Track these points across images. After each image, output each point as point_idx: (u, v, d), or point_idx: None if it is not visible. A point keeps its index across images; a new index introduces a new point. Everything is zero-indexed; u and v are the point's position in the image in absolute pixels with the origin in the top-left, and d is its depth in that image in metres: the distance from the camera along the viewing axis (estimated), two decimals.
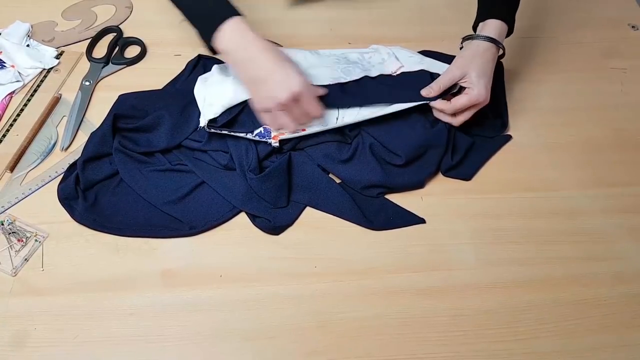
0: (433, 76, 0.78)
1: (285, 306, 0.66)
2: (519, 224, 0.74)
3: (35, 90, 0.83)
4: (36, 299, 0.65)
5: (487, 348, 0.64)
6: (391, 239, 0.72)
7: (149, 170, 0.74)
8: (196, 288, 0.67)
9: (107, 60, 0.87)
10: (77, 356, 0.62)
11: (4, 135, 0.78)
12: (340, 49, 0.85)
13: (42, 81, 0.84)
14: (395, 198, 0.75)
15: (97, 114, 0.80)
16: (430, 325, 0.66)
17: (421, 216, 0.74)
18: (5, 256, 0.67)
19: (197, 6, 0.70)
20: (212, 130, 0.73)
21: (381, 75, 0.79)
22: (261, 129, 0.73)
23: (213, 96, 0.74)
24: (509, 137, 0.83)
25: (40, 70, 0.85)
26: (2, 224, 0.69)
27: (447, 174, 0.78)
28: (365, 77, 0.78)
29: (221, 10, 0.68)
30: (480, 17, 0.78)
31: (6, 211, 0.71)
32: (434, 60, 0.82)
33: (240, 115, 0.74)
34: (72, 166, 0.74)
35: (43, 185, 0.73)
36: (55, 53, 0.87)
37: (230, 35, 0.67)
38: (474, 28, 0.79)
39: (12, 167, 0.74)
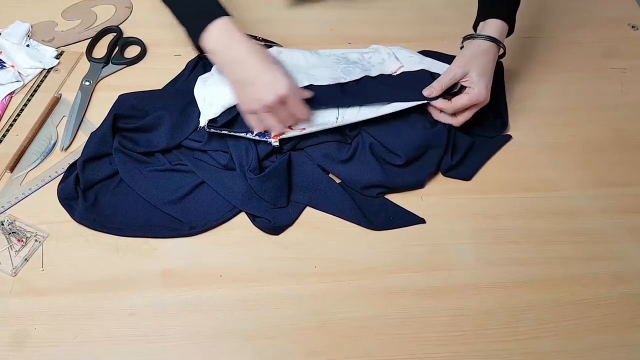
0: (433, 76, 0.78)
1: (285, 306, 0.66)
2: (519, 224, 0.74)
3: (35, 90, 0.83)
4: (36, 299, 0.65)
5: (487, 348, 0.64)
6: (391, 239, 0.72)
7: (148, 170, 0.74)
8: (196, 288, 0.67)
9: (107, 60, 0.87)
10: (77, 356, 0.62)
11: (4, 135, 0.78)
12: (340, 49, 0.85)
13: (42, 81, 0.84)
14: (395, 198, 0.75)
15: (97, 114, 0.80)
16: (430, 325, 0.66)
17: (421, 216, 0.74)
18: (5, 256, 0.67)
19: (186, 5, 0.70)
20: (212, 130, 0.73)
21: (381, 75, 0.79)
22: None
23: (213, 96, 0.74)
24: (509, 137, 0.83)
25: (40, 70, 0.85)
26: (2, 224, 0.69)
27: (447, 174, 0.78)
28: (366, 77, 0.78)
29: (210, 10, 0.68)
30: (481, 16, 0.78)
31: (6, 211, 0.71)
32: (434, 60, 0.82)
33: (240, 115, 0.74)
34: (72, 166, 0.74)
35: (43, 185, 0.73)
36: (55, 53, 0.87)
37: (217, 35, 0.67)
38: (475, 27, 0.79)
39: (12, 167, 0.74)
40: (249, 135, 0.73)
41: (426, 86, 0.76)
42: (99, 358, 0.62)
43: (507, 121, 0.84)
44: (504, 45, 0.77)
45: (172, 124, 0.75)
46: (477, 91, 0.74)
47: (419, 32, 0.95)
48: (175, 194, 0.72)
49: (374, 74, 0.79)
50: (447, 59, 0.80)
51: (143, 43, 0.89)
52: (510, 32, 0.78)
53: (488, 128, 0.82)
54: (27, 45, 0.88)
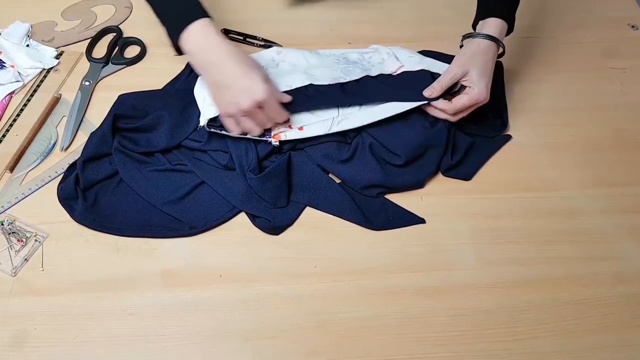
0: (434, 76, 0.78)
1: (285, 306, 0.66)
2: (519, 224, 0.74)
3: (35, 90, 0.83)
4: (36, 299, 0.65)
5: (486, 348, 0.64)
6: (391, 239, 0.72)
7: (148, 170, 0.74)
8: (196, 288, 0.67)
9: (106, 60, 0.87)
10: (77, 356, 0.62)
11: (3, 135, 0.78)
12: (340, 49, 0.85)
13: (42, 81, 0.84)
14: (395, 198, 0.75)
15: (97, 114, 0.80)
16: (429, 325, 0.66)
17: (421, 216, 0.74)
18: (5, 256, 0.67)
19: (167, 5, 0.70)
20: (212, 130, 0.73)
21: (381, 75, 0.79)
22: None
23: None
24: (509, 137, 0.83)
25: (40, 70, 0.85)
26: (2, 224, 0.69)
27: (447, 174, 0.78)
28: (366, 77, 0.78)
29: (189, 11, 0.68)
30: (480, 15, 0.78)
31: (6, 211, 0.71)
32: (434, 60, 0.82)
33: None
34: (72, 166, 0.74)
35: (43, 185, 0.73)
36: (55, 53, 0.87)
37: (196, 36, 0.67)
38: (474, 26, 0.79)
39: (12, 167, 0.74)
40: (248, 135, 0.73)
41: (426, 86, 0.76)
42: (99, 358, 0.62)
43: (507, 121, 0.84)
44: (503, 44, 0.77)
45: (172, 124, 0.75)
46: (477, 91, 0.74)
47: (418, 32, 0.95)
48: (175, 194, 0.72)
49: (374, 73, 0.79)
50: (447, 58, 0.80)
51: (143, 43, 0.89)
52: (509, 31, 0.78)
53: (488, 128, 0.83)
54: (27, 45, 0.88)
